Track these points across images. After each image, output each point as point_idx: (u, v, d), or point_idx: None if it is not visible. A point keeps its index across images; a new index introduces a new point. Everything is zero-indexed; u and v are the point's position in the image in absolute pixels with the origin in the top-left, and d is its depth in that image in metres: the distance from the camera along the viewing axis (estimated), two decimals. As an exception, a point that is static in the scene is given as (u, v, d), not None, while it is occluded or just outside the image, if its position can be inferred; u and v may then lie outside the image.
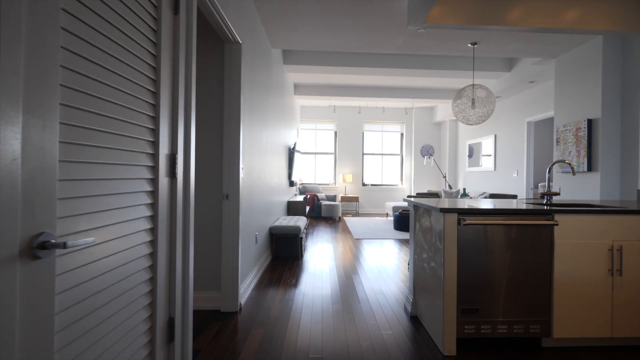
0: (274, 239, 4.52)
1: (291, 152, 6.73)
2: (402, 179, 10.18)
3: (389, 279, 3.68)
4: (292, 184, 6.79)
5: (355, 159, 9.98)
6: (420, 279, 2.61)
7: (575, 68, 4.18)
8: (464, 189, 4.41)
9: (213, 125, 2.82)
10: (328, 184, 10.04)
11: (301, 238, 4.65)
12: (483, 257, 2.14)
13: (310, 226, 7.50)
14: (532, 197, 6.13)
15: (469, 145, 8.48)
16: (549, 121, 7.73)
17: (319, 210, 8.80)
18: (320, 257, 4.66)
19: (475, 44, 4.09)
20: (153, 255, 1.41)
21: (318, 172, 10.08)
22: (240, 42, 2.78)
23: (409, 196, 4.08)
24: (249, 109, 3.26)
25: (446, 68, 5.70)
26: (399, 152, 10.22)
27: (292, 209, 6.42)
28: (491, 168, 7.36)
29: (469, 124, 4.16)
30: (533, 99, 6.05)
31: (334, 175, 10.08)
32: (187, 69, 1.65)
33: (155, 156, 1.42)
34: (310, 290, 3.28)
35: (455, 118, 8.78)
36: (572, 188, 4.28)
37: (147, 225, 1.37)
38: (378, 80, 7.27)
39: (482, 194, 6.93)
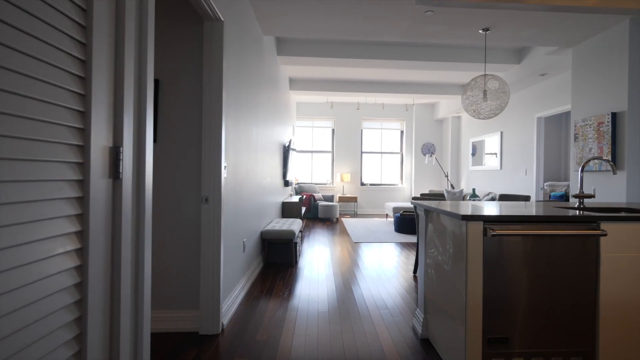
0: (265, 245, 4.13)
1: (286, 150, 6.33)
2: (402, 179, 9.80)
3: (393, 289, 3.30)
4: (287, 183, 6.40)
5: (354, 158, 9.59)
6: (434, 296, 2.22)
7: (596, 56, 3.81)
8: (474, 190, 4.04)
9: (190, 118, 2.42)
10: (325, 184, 9.65)
11: (296, 243, 4.26)
12: (514, 275, 1.76)
13: (306, 228, 7.11)
14: (541, 198, 5.78)
15: (473, 143, 8.12)
16: (560, 117, 7.39)
17: (315, 211, 8.41)
18: (317, 263, 4.27)
19: (487, 29, 3.71)
20: (82, 286, 1.02)
21: (315, 171, 9.69)
22: (222, 19, 2.38)
23: (415, 198, 3.69)
24: (235, 101, 2.86)
25: (452, 60, 5.32)
26: (398, 151, 9.84)
27: (287, 210, 6.03)
28: (497, 167, 6.99)
29: (479, 118, 3.79)
30: (543, 94, 5.69)
31: (331, 175, 9.70)
32: (140, 33, 1.25)
33: (84, 149, 1.02)
34: (304, 305, 2.89)
35: (458, 115, 8.41)
36: (589, 188, 3.91)
37: (69, 245, 0.97)
38: (378, 75, 6.88)
39: (488, 195, 6.56)
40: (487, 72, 6.32)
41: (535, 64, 5.02)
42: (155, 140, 2.35)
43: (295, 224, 4.54)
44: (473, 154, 8.13)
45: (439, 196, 4.84)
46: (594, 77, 3.84)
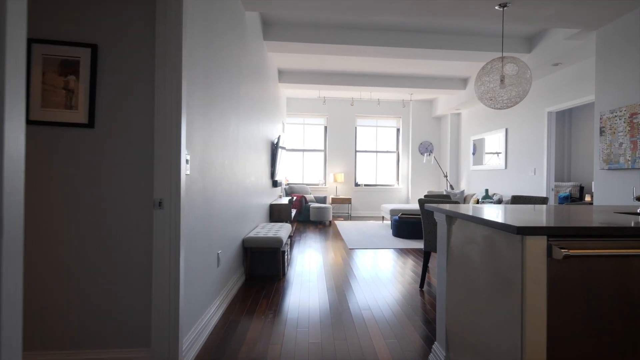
0: (248, 254, 3.56)
1: (275, 148, 5.77)
2: (398, 179, 9.30)
3: (397, 308, 2.76)
4: (275, 184, 5.84)
5: (347, 157, 9.06)
6: (462, 331, 1.68)
7: (625, 39, 3.33)
8: (487, 191, 3.53)
9: (143, 99, 1.84)
10: (317, 184, 9.10)
11: (284, 252, 3.69)
12: (594, 312, 1.22)
13: (296, 232, 6.54)
14: (552, 199, 5.31)
15: (474, 141, 7.65)
16: (563, 112, 6.96)
17: (307, 214, 7.85)
18: (308, 274, 3.71)
19: (505, 5, 3.20)
20: None
21: (306, 171, 9.13)
22: (183, -34, 1.82)
23: (421, 200, 3.17)
24: (205, 85, 2.29)
25: (456, 47, 4.82)
26: (394, 150, 9.34)
27: (276, 213, 5.46)
28: (501, 166, 6.52)
29: (495, 108, 3.28)
30: (555, 86, 5.22)
31: (323, 175, 9.15)
32: None
33: None
34: (291, 333, 2.33)
35: (457, 111, 7.95)
36: (618, 188, 3.43)
37: None
38: (374, 67, 6.36)
39: (493, 196, 6.09)
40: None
41: (548, 53, 4.55)
42: (90, 126, 1.77)
43: (283, 230, 3.98)
44: (474, 153, 7.66)
45: (443, 197, 4.32)
46: (623, 63, 3.36)
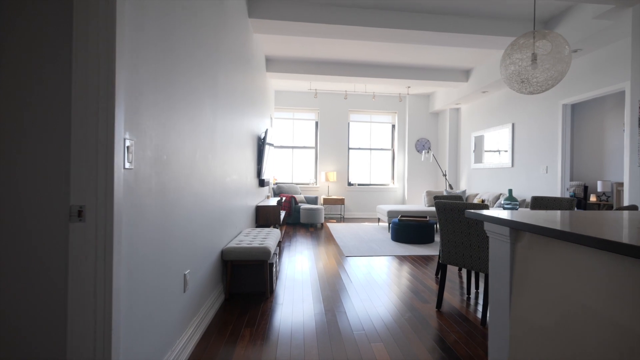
0: (228, 269, 2.94)
1: (261, 144, 5.15)
2: (393, 178, 8.78)
3: (416, 340, 2.19)
4: (262, 183, 5.21)
5: (340, 154, 8.48)
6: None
7: (674, 14, 2.85)
8: (510, 191, 2.99)
9: (57, 61, 1.21)
10: (308, 184, 8.50)
11: (271, 264, 3.09)
12: None
13: (286, 236, 5.93)
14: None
15: (475, 138, 7.17)
16: (565, 105, 6.51)
17: (297, 216, 7.25)
18: (301, 291, 3.11)
19: (538, -31, 2.67)
20: None
21: (296, 169, 8.52)
22: None
23: (438, 197, 2.60)
24: (165, 48, 1.67)
25: (465, 31, 4.29)
26: (390, 147, 8.81)
27: (263, 216, 4.84)
28: (507, 164, 6.05)
29: (525, 93, 2.74)
30: (571, 76, 4.75)
31: (314, 174, 8.55)
32: None
33: None
34: (282, 384, 1.73)
35: (457, 106, 7.47)
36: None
37: None
38: (370, 55, 5.80)
39: (499, 197, 5.59)
40: (498, 52, 5.35)
41: (568, 37, 4.06)
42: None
43: (271, 237, 3.37)
44: (475, 150, 7.19)
45: (456, 198, 3.79)
46: (670, 42, 2.87)
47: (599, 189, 6.88)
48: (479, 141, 7.09)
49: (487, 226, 1.42)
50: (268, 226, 5.07)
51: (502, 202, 3.07)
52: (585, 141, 7.23)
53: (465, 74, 6.52)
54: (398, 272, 3.78)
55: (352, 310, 2.71)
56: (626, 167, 3.86)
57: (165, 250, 1.75)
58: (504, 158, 6.19)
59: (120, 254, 1.24)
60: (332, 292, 3.14)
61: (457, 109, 7.96)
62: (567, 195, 4.80)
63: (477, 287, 3.22)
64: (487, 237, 2.44)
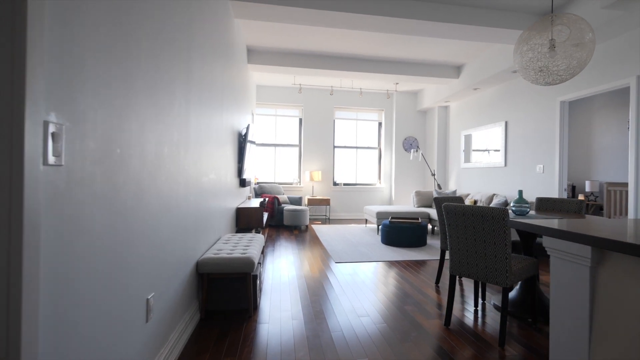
0: (205, 283, 2.51)
1: (242, 141, 4.72)
2: (380, 178, 8.49)
3: (430, 371, 1.85)
4: (243, 183, 4.78)
5: (325, 153, 8.12)
6: None
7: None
8: (520, 193, 2.72)
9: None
10: (291, 184, 8.10)
11: (255, 277, 2.68)
12: None
13: (269, 240, 5.52)
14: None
15: (465, 136, 6.97)
16: (573, 104, 6.40)
17: (280, 217, 6.83)
18: (289, 305, 2.72)
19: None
20: None
21: (279, 168, 8.10)
22: None
23: (437, 198, 2.28)
24: (126, 13, 1.25)
25: (461, 21, 4.01)
26: (376, 145, 8.52)
27: (244, 219, 4.41)
28: (499, 163, 5.85)
29: (542, 84, 2.46)
30: (569, 71, 4.56)
31: (298, 173, 8.16)
32: None
33: None
34: None
35: (446, 104, 7.25)
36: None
37: None
38: (357, 48, 5.46)
39: (492, 197, 5.38)
40: (493, 44, 5.12)
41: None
42: None
43: (254, 244, 2.96)
44: (463, 150, 6.99)
45: (456, 199, 3.49)
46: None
47: (587, 189, 6.81)
48: (469, 140, 6.89)
49: (548, 242, 1.08)
50: (250, 230, 4.65)
51: (512, 206, 2.79)
52: (573, 141, 7.16)
53: (456, 70, 6.28)
54: (394, 281, 3.45)
55: (350, 329, 2.35)
56: (631, 165, 3.68)
57: (119, 273, 1.33)
58: (496, 157, 6.00)
59: (37, 292, 0.83)
60: (324, 306, 2.77)
61: (446, 107, 7.75)
62: (564, 195, 4.61)
63: (483, 298, 2.92)
64: (508, 245, 2.13)
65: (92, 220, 1.14)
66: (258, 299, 2.79)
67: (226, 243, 2.99)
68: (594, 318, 0.97)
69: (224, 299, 2.64)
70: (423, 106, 7.90)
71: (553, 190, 4.71)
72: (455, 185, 7.37)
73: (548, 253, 1.09)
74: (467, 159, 6.90)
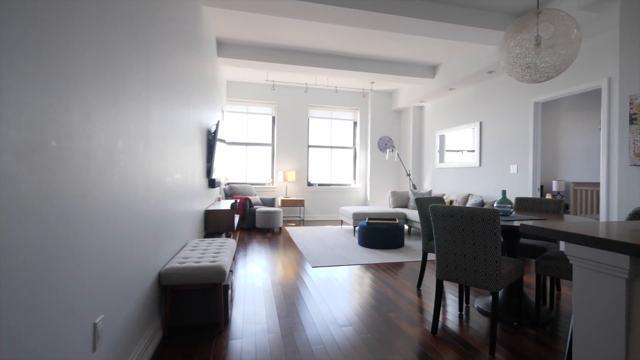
0: (168, 296, 2.23)
1: (211, 139, 4.43)
2: (355, 178, 8.39)
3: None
4: (213, 183, 4.48)
5: (299, 152, 7.91)
6: None
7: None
8: (504, 192, 2.65)
9: None
10: (264, 184, 7.81)
11: (226, 287, 2.43)
12: None
13: (240, 244, 5.23)
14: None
15: (440, 136, 6.98)
16: (549, 104, 6.55)
17: (252, 220, 6.54)
18: (264, 317, 2.49)
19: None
20: None
21: (250, 168, 7.80)
22: None
23: (420, 199, 2.15)
24: None
25: (441, 19, 3.94)
26: (351, 145, 8.40)
27: (213, 222, 4.11)
28: (474, 164, 5.88)
29: (528, 81, 2.38)
30: (542, 73, 4.62)
31: (271, 173, 7.89)
32: None
33: None
34: None
35: (421, 104, 7.25)
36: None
37: None
38: (333, 44, 5.30)
39: (468, 197, 5.38)
40: (467, 46, 5.12)
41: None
42: None
43: (225, 251, 2.70)
44: (439, 150, 7.00)
45: (438, 200, 3.39)
46: (664, 33, 2.68)
47: (554, 189, 7.02)
48: (443, 140, 6.91)
49: (572, 250, 0.94)
50: (220, 234, 4.35)
51: (496, 205, 2.71)
52: (541, 140, 7.36)
53: (432, 69, 6.27)
54: (375, 285, 3.30)
55: (332, 342, 2.16)
56: (603, 165, 3.74)
57: (55, 295, 1.06)
58: (471, 157, 6.02)
59: None
60: (303, 316, 2.56)
61: (421, 107, 7.76)
62: (537, 194, 4.66)
63: (467, 302, 2.82)
64: (498, 248, 2.01)
65: (13, 230, 0.87)
66: (229, 310, 2.54)
67: (193, 250, 2.71)
68: (630, 338, 0.83)
69: (190, 313, 2.37)
70: (398, 106, 7.87)
71: (527, 190, 4.75)
72: (430, 185, 7.38)
73: (571, 262, 0.95)
74: (442, 159, 6.92)
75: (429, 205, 2.29)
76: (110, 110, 1.43)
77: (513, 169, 5.03)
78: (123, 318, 1.63)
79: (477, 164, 5.78)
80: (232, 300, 2.74)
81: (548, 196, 7.10)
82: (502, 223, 2.32)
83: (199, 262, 2.37)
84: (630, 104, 2.92)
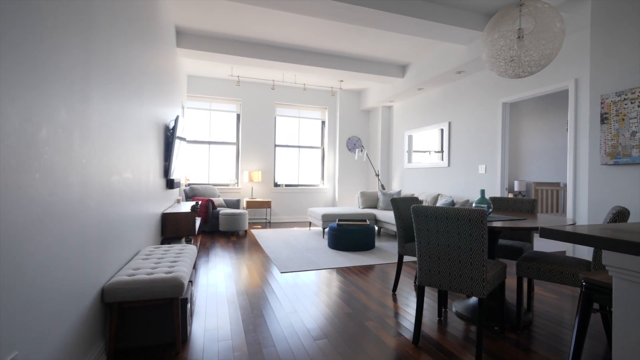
0: (114, 315, 1.89)
1: (170, 135, 4.05)
2: (323, 178, 8.20)
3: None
4: (171, 184, 4.10)
5: (266, 152, 7.60)
6: None
7: (633, 6, 2.70)
8: (483, 192, 2.56)
9: None
10: (228, 185, 7.42)
11: (185, 301, 2.13)
12: None
13: (202, 249, 4.85)
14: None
15: (409, 136, 6.97)
16: (511, 106, 6.69)
17: (215, 223, 6.16)
18: (227, 332, 2.21)
19: None
20: None
21: (213, 168, 7.38)
22: None
23: (396, 199, 1.98)
24: None
25: (417, 15, 3.84)
26: (319, 145, 8.22)
27: (171, 226, 3.74)
28: (442, 164, 5.89)
29: (507, 76, 2.30)
30: (510, 74, 4.67)
31: (236, 173, 7.51)
32: None
33: None
34: None
35: (390, 104, 7.21)
36: (628, 188, 2.79)
37: None
38: (302, 39, 5.08)
39: (437, 197, 5.36)
40: (437, 45, 5.10)
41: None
42: None
43: (183, 259, 2.39)
44: (408, 150, 6.99)
45: (414, 200, 3.27)
46: (631, 36, 2.72)
47: (516, 189, 7.24)
48: (412, 140, 6.90)
49: (612, 260, 0.78)
50: (179, 239, 3.98)
51: (474, 205, 2.61)
52: (507, 142, 7.58)
53: (401, 69, 6.22)
54: (349, 291, 3.10)
55: (305, 357, 1.93)
56: (569, 165, 3.80)
57: None
58: (440, 158, 6.03)
59: None
60: (273, 329, 2.30)
61: (390, 107, 7.73)
62: (505, 194, 4.71)
63: (446, 306, 2.70)
64: (485, 251, 1.88)
65: None
66: (188, 327, 2.23)
67: (146, 259, 2.37)
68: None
69: (142, 333, 2.04)
70: (367, 105, 7.79)
71: (495, 189, 4.79)
72: (399, 185, 7.35)
73: (610, 274, 0.79)
74: (411, 160, 6.90)
75: (412, 206, 2.12)
76: (29, 88, 1.11)
77: (482, 169, 5.06)
78: (49, 349, 1.30)
79: (446, 164, 5.79)
80: (191, 315, 2.43)
81: (510, 195, 7.31)
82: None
83: (152, 273, 2.05)
84: (602, 103, 2.94)
